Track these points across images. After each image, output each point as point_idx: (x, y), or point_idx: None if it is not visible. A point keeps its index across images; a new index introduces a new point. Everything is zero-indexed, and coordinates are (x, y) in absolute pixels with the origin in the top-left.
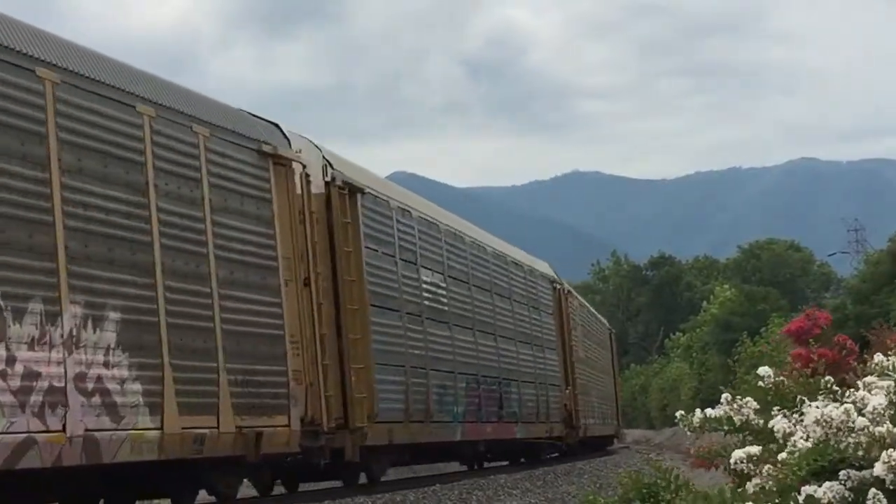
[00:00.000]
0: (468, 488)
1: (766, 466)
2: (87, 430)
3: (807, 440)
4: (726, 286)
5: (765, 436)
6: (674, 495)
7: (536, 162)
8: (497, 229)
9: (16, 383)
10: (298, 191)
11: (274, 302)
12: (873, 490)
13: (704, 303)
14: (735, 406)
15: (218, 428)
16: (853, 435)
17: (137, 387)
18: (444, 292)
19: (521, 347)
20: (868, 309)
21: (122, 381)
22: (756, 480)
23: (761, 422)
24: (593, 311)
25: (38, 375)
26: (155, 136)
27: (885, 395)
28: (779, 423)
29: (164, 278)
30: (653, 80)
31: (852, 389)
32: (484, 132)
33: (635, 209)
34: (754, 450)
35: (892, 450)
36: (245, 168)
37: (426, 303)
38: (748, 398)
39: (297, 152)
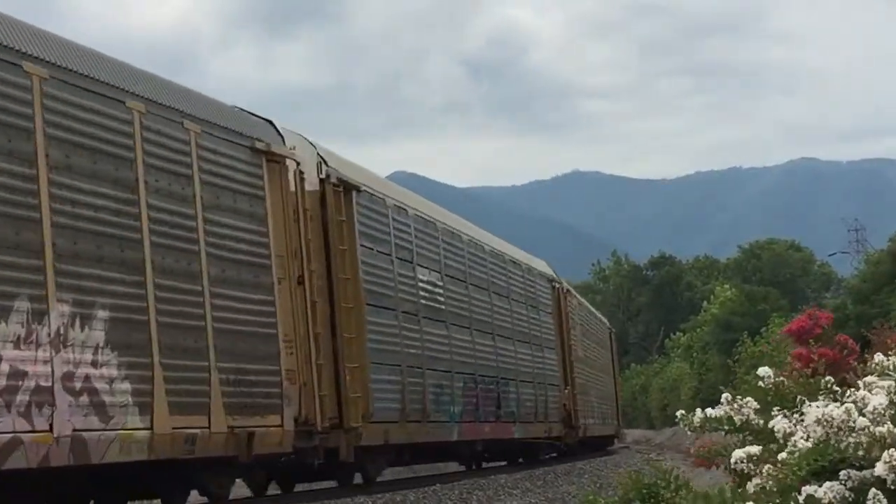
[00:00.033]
0: (468, 488)
1: (767, 466)
2: (74, 430)
3: (807, 440)
4: (727, 286)
5: (765, 436)
6: (674, 494)
7: (537, 162)
8: (497, 229)
9: (1, 382)
10: (292, 188)
11: (267, 300)
12: (873, 490)
13: (705, 303)
14: (735, 406)
15: (209, 428)
16: (854, 435)
17: (127, 386)
18: (441, 291)
19: (520, 347)
20: (868, 309)
21: (111, 381)
22: (756, 480)
23: (761, 422)
24: (593, 310)
25: (24, 375)
26: (145, 132)
27: (886, 395)
28: (779, 423)
29: (155, 276)
30: (653, 80)
31: (853, 389)
32: (484, 132)
33: (636, 209)
34: (754, 450)
35: (893, 450)
36: (238, 165)
37: (423, 301)
38: (748, 398)
39: (291, 149)
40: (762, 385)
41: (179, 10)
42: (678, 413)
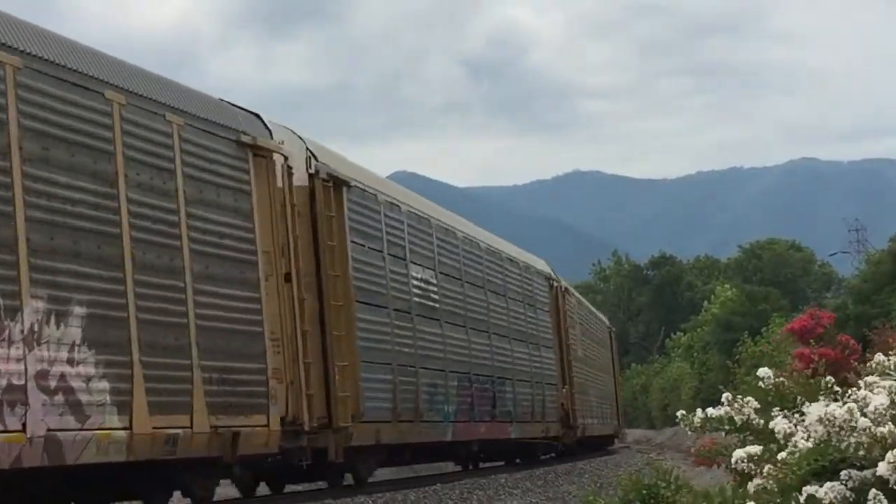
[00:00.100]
0: (468, 488)
1: (767, 466)
2: (49, 430)
3: (808, 440)
4: (727, 286)
5: (765, 436)
6: (674, 493)
7: (537, 162)
8: (498, 229)
9: None
10: (280, 183)
11: (253, 297)
12: (874, 490)
13: (705, 303)
14: (736, 406)
15: (191, 428)
16: (855, 434)
17: (104, 385)
18: (435, 289)
19: (516, 345)
20: (869, 309)
21: (88, 379)
22: (757, 480)
23: (762, 422)
24: (592, 309)
25: None
26: (125, 124)
27: (887, 395)
28: (779, 423)
29: (135, 272)
30: (653, 80)
31: (853, 389)
32: (485, 132)
33: (636, 209)
34: (755, 449)
35: None
36: (222, 159)
37: (416, 299)
38: (749, 398)
39: (279, 143)
40: (762, 385)
41: (179, 11)
42: (679, 413)
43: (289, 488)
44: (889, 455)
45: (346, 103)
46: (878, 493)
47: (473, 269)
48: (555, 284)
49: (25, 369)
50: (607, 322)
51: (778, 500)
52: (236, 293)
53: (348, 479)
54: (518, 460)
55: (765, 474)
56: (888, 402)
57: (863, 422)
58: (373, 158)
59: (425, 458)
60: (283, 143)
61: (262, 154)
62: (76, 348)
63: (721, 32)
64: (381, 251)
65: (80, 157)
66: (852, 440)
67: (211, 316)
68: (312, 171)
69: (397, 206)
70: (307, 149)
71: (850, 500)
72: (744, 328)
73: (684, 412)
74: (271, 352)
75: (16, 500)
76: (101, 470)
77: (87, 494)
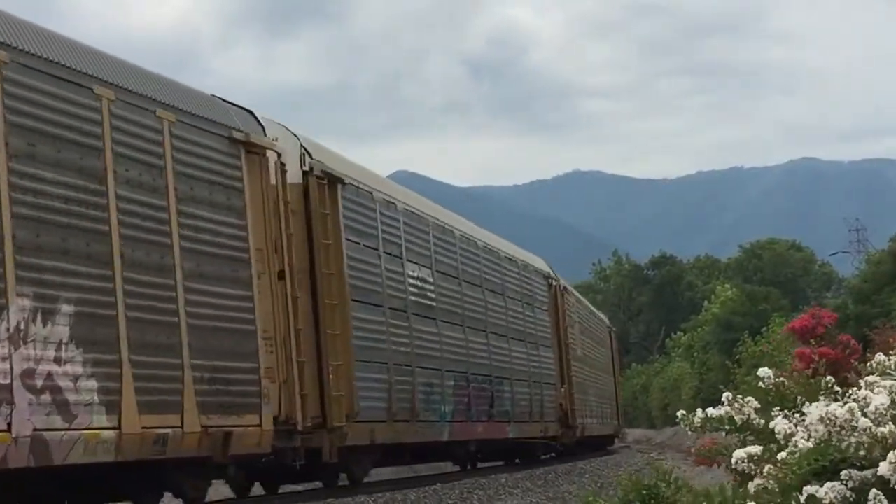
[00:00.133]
0: (468, 488)
1: (768, 466)
2: (35, 429)
3: (808, 440)
4: (727, 286)
5: (766, 436)
6: (674, 493)
7: (537, 161)
8: (498, 229)
9: None
10: (273, 180)
11: (245, 296)
12: (874, 490)
13: (706, 302)
14: (736, 406)
15: (182, 427)
16: (856, 434)
17: (92, 384)
18: (431, 287)
19: (514, 345)
20: (869, 309)
21: (76, 378)
22: (758, 480)
23: (762, 422)
24: (592, 308)
25: None
26: (115, 120)
27: (888, 395)
28: (779, 423)
29: (124, 270)
30: (653, 80)
31: (854, 388)
32: (485, 132)
33: (637, 209)
34: (755, 449)
35: None
36: (214, 155)
37: (412, 298)
38: (749, 398)
39: (272, 140)
40: (762, 385)
41: (179, 10)
42: (679, 413)
43: (284, 489)
44: (890, 455)
45: (346, 103)
46: (879, 493)
47: (471, 267)
48: (553, 283)
49: (11, 368)
50: (607, 321)
51: (778, 500)
52: (228, 291)
53: (343, 479)
54: (517, 460)
55: (765, 474)
56: (888, 402)
57: (863, 422)
58: (373, 158)
59: (422, 458)
60: (276, 139)
61: (254, 151)
62: (63, 347)
63: (721, 32)
64: (376, 249)
65: (68, 153)
66: (853, 440)
67: (202, 314)
68: (307, 168)
69: (393, 203)
70: (301, 146)
71: (851, 500)
72: (744, 328)
73: (684, 412)
74: (264, 351)
75: (2, 501)
76: (90, 470)
77: (77, 495)
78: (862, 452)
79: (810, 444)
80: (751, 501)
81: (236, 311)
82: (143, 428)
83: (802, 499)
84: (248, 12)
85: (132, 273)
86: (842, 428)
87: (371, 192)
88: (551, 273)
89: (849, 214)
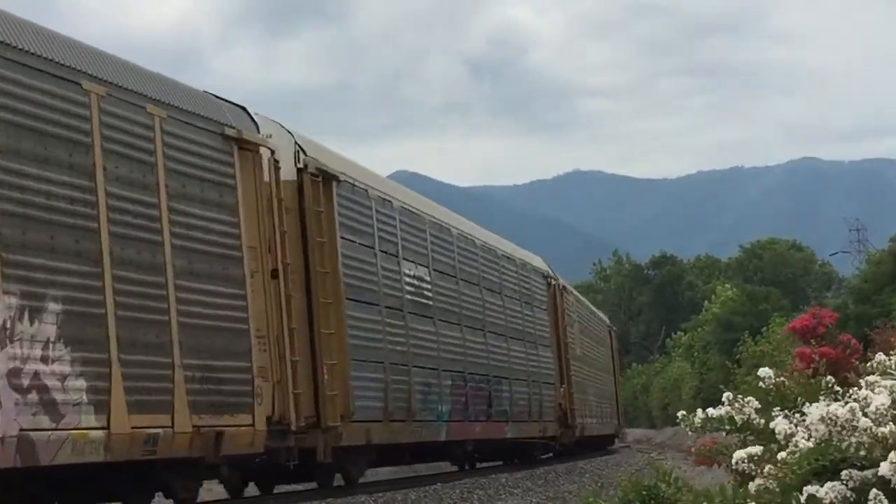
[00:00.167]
0: (468, 488)
1: (768, 466)
2: (21, 429)
3: (808, 440)
4: (728, 286)
5: (766, 436)
6: (675, 493)
7: (538, 161)
8: (499, 228)
9: None
10: (266, 177)
11: (238, 294)
12: (875, 490)
13: (706, 302)
14: (736, 406)
15: (172, 427)
16: (856, 434)
17: (81, 383)
18: (428, 286)
19: (513, 344)
20: (869, 309)
21: (64, 378)
22: (758, 480)
23: (762, 422)
24: (592, 307)
25: None
26: (104, 116)
27: (889, 395)
28: (780, 423)
29: (113, 268)
30: (653, 80)
31: (854, 388)
32: (485, 132)
33: (637, 209)
34: (756, 449)
35: None
36: (206, 152)
37: (408, 297)
38: (749, 398)
39: (266, 137)
40: (763, 385)
41: (179, 10)
42: (679, 413)
43: (279, 489)
44: (891, 455)
45: (346, 103)
46: (879, 493)
47: (469, 266)
48: (552, 282)
49: None
50: (607, 321)
51: (778, 500)
52: (220, 289)
53: (338, 479)
54: (516, 460)
55: (765, 474)
56: (889, 402)
57: (864, 422)
58: (373, 158)
59: (419, 458)
60: (270, 136)
61: (247, 147)
62: (51, 345)
63: (721, 32)
64: (372, 247)
65: (56, 150)
66: (853, 440)
67: (193, 313)
68: (301, 165)
69: (389, 201)
70: (296, 143)
71: (851, 500)
72: (744, 328)
73: (685, 412)
74: (257, 350)
75: None
76: (79, 471)
77: (66, 496)
78: (862, 452)
79: (811, 444)
80: (751, 501)
81: (229, 309)
82: (133, 428)
83: (803, 499)
84: (249, 12)
85: (122, 271)
86: (842, 428)
87: (366, 190)
88: (550, 272)
89: (849, 214)
